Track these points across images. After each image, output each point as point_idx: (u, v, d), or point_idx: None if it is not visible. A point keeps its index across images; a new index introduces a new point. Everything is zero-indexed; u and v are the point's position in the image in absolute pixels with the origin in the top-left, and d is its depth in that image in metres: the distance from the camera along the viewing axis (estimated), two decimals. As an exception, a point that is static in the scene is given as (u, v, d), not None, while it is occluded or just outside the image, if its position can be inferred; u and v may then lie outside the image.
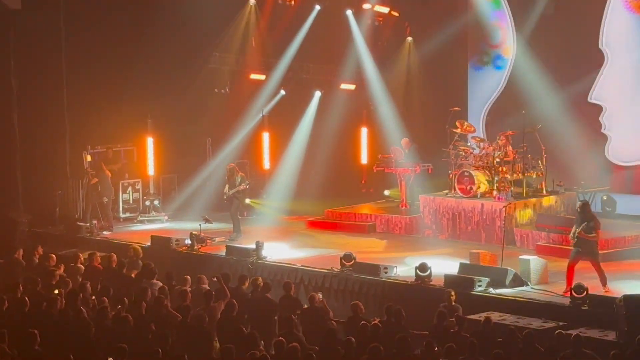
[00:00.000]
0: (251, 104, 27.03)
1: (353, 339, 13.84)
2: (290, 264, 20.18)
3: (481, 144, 23.26)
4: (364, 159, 28.18)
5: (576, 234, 17.46)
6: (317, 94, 27.76)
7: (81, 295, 16.04)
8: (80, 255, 19.56)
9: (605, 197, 23.70)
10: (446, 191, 23.38)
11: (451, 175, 23.21)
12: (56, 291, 16.65)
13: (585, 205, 17.96)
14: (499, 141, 22.81)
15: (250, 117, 26.99)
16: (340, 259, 19.45)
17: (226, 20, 26.70)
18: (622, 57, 24.28)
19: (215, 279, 17.08)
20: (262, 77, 27.35)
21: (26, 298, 15.74)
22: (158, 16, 25.05)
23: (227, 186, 23.01)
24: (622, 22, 24.31)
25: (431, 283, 18.16)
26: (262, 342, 14.38)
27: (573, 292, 16.54)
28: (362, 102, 27.94)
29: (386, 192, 26.18)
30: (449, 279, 17.89)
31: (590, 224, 17.44)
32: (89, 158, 25.23)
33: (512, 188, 22.49)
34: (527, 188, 22.85)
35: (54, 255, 19.30)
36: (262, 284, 16.98)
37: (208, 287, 16.95)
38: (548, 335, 14.93)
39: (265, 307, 16.39)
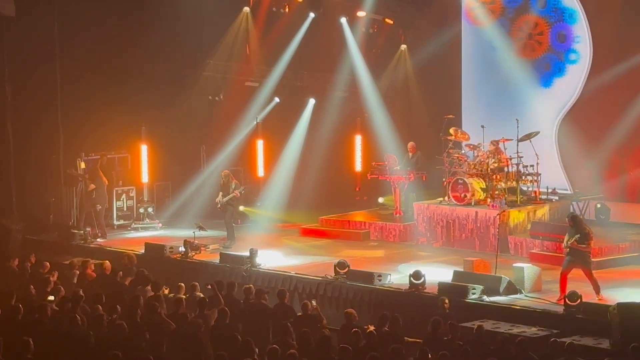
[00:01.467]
0: (245, 112, 27.04)
1: (350, 348, 13.83)
2: (284, 272, 20.17)
3: (474, 151, 23.26)
4: (358, 166, 28.16)
5: (569, 244, 17.50)
6: (312, 102, 27.78)
7: (76, 302, 16.01)
8: (75, 262, 19.56)
9: (599, 205, 23.74)
10: (440, 199, 23.40)
11: (445, 183, 23.23)
12: (51, 297, 16.63)
13: (574, 218, 18.00)
14: (490, 148, 22.84)
15: (244, 125, 27.00)
16: (334, 266, 19.46)
17: (220, 28, 26.71)
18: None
19: (209, 287, 17.07)
20: (256, 84, 27.37)
21: (20, 306, 15.71)
22: (152, 24, 25.05)
23: (220, 194, 23.01)
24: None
25: (425, 291, 18.17)
26: (257, 349, 14.35)
27: (567, 300, 16.57)
28: (356, 110, 27.96)
29: (380, 200, 26.18)
30: (443, 287, 17.90)
31: (583, 234, 17.48)
32: (83, 165, 25.22)
33: (506, 196, 22.51)
34: (521, 196, 22.87)
35: (47, 263, 19.29)
36: (255, 291, 16.97)
37: (202, 295, 16.93)
38: (542, 343, 14.94)
39: (259, 314, 16.39)
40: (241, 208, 24.85)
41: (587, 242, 17.49)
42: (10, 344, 13.74)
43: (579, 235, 17.45)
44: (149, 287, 17.38)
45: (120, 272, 18.74)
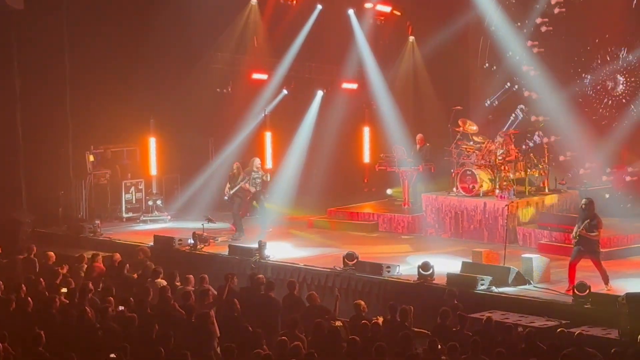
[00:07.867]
0: (253, 104, 27.04)
1: (357, 339, 13.87)
2: (293, 263, 20.20)
3: (485, 142, 23.23)
4: (366, 158, 28.13)
5: (578, 233, 17.49)
6: (319, 94, 27.75)
7: (84, 295, 16.07)
8: (84, 255, 19.64)
9: (607, 196, 23.70)
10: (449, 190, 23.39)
11: (453, 174, 23.22)
12: (64, 289, 16.69)
13: (590, 203, 17.91)
14: (498, 139, 22.83)
15: (252, 117, 27.01)
16: (343, 258, 19.48)
17: (228, 20, 26.74)
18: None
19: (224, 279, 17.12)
20: (264, 76, 27.37)
21: (29, 299, 15.77)
22: (160, 16, 25.09)
23: (227, 185, 23.07)
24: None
25: (434, 282, 18.20)
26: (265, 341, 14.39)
27: (575, 290, 16.58)
28: (364, 101, 27.95)
29: (388, 191, 26.18)
30: (452, 278, 17.92)
31: (592, 222, 17.46)
32: (91, 158, 25.29)
33: (514, 186, 22.50)
34: (530, 186, 22.86)
35: (52, 254, 19.35)
36: (265, 282, 17.05)
37: (210, 287, 16.97)
38: (550, 334, 14.95)
39: (268, 306, 16.43)
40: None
41: (596, 231, 17.47)
42: (21, 336, 13.83)
43: (588, 221, 17.42)
44: (159, 279, 17.43)
45: (130, 265, 18.82)
